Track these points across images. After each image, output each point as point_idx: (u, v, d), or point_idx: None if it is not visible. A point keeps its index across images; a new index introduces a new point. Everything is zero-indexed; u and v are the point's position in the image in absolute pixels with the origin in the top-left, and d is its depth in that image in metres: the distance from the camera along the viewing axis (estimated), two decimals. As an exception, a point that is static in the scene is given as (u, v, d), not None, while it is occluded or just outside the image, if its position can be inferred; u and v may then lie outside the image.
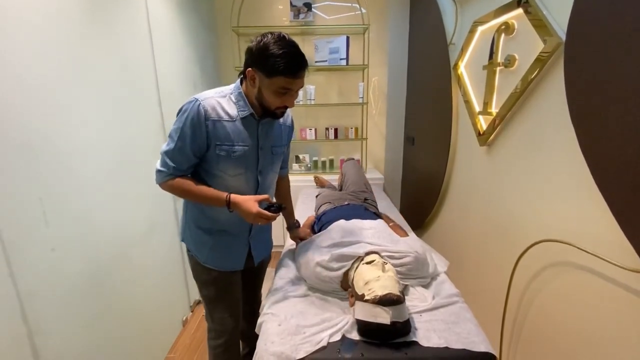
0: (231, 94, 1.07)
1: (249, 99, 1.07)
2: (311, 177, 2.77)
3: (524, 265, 1.31)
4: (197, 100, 1.02)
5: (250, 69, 1.00)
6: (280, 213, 1.10)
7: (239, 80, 1.09)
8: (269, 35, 0.97)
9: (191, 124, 1.01)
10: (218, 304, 1.24)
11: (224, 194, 1.04)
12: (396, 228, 1.53)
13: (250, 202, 1.03)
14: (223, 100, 1.06)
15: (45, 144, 1.02)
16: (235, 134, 1.06)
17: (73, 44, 1.15)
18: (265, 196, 1.06)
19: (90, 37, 1.24)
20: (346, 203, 1.72)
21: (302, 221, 1.77)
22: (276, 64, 0.94)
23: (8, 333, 0.90)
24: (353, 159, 2.45)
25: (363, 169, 2.82)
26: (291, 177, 2.85)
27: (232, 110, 1.06)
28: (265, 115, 1.09)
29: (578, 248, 1.05)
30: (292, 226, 1.52)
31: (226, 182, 1.10)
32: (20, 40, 0.95)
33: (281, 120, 1.21)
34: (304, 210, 2.12)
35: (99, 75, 1.28)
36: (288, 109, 1.23)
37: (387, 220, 1.61)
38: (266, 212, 1.03)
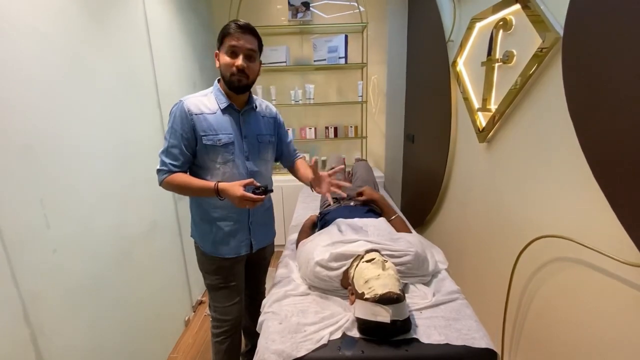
0: (211, 92, 1.23)
1: (226, 93, 1.21)
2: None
3: (525, 261, 1.31)
4: (181, 101, 1.17)
5: (216, 52, 1.18)
6: (267, 195, 1.15)
7: (216, 80, 1.24)
8: None
9: (179, 122, 1.14)
10: (221, 293, 1.32)
11: (212, 183, 1.13)
12: (397, 223, 1.51)
13: (235, 187, 1.09)
14: (204, 98, 1.20)
15: (46, 146, 1.03)
16: (218, 125, 1.18)
17: (72, 46, 1.16)
18: (250, 180, 1.13)
19: (89, 39, 1.25)
20: (352, 203, 1.73)
21: (303, 219, 1.77)
22: (225, 29, 1.13)
23: (11, 335, 0.91)
24: (365, 160, 2.43)
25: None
26: (290, 177, 2.82)
27: (213, 105, 1.19)
28: (235, 90, 1.19)
29: (578, 243, 1.05)
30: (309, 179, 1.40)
31: (219, 171, 1.20)
32: (21, 43, 0.96)
33: (263, 111, 1.33)
34: (304, 210, 2.13)
35: (98, 77, 1.29)
36: (267, 103, 1.37)
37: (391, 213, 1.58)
38: (250, 194, 1.08)
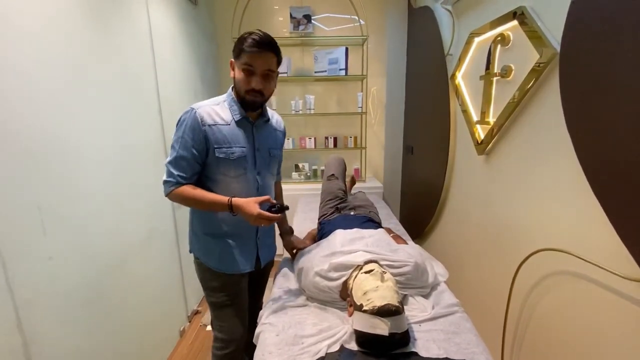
0: (224, 101, 1.16)
1: (241, 103, 1.14)
2: (310, 186, 2.80)
3: (524, 274, 1.30)
4: (193, 109, 1.09)
5: (231, 60, 1.11)
6: (283, 213, 1.10)
7: (230, 88, 1.18)
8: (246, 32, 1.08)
9: (190, 131, 1.07)
10: (227, 311, 1.24)
11: (226, 198, 1.07)
12: (397, 238, 1.52)
13: (251, 205, 1.04)
14: (217, 107, 1.13)
15: (44, 152, 1.03)
16: (232, 137, 1.12)
17: (75, 53, 1.17)
18: (266, 197, 1.08)
19: (92, 46, 1.26)
20: (351, 213, 1.73)
21: (301, 229, 1.76)
22: (243, 43, 1.04)
23: (2, 343, 0.89)
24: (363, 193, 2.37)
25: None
26: (291, 186, 2.82)
27: (227, 115, 1.13)
28: (248, 108, 1.14)
29: (578, 257, 1.05)
30: (286, 233, 1.47)
31: (228, 185, 1.14)
32: (22, 49, 0.96)
33: (275, 124, 1.28)
34: (303, 220, 2.12)
35: (100, 84, 1.30)
36: (278, 116, 1.32)
37: (389, 232, 1.61)
38: (267, 213, 1.04)
